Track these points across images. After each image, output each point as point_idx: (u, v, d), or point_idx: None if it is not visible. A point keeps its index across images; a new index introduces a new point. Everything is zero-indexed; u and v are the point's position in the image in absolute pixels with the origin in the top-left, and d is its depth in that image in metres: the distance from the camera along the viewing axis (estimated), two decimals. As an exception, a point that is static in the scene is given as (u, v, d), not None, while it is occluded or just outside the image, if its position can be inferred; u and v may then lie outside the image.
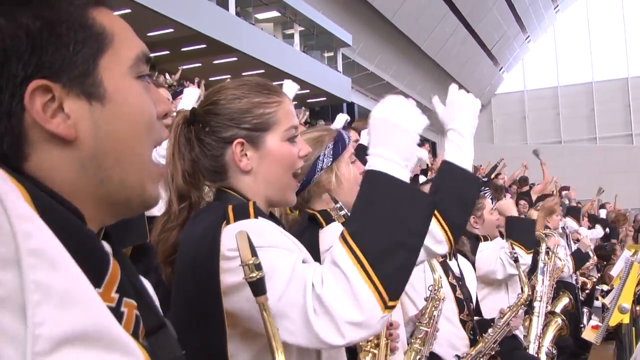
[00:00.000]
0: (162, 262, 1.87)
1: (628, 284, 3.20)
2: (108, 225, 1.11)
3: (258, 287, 1.19)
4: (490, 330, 3.69)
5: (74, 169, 1.01)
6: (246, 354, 1.68)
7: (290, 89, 4.96)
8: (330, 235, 2.21)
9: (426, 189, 2.44)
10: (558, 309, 5.15)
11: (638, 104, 37.42)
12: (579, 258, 6.98)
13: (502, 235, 5.74)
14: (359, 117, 28.47)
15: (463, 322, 3.71)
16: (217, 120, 1.85)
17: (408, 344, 2.75)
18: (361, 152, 2.25)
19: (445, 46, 33.26)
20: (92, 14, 1.03)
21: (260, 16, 24.69)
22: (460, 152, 2.29)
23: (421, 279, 3.19)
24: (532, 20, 38.44)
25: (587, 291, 7.64)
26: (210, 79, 18.10)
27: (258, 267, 1.18)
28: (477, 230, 4.61)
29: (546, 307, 4.87)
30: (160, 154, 2.55)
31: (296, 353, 1.68)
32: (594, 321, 3.52)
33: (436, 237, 2.20)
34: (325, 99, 27.67)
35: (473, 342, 3.69)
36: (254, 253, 1.18)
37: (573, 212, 9.64)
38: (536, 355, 4.55)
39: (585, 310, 6.62)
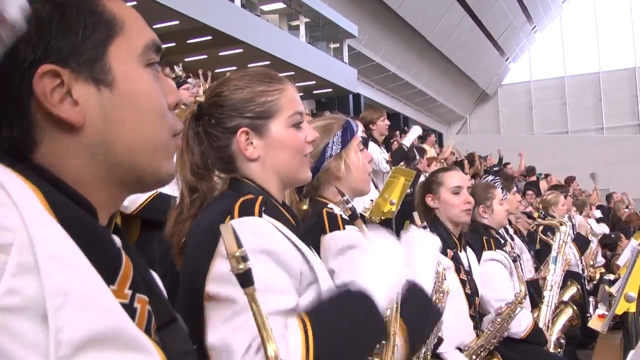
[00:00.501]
0: (177, 254, 1.90)
1: (634, 273, 3.20)
2: (118, 208, 1.11)
3: (245, 279, 1.20)
4: (489, 326, 3.69)
5: (84, 156, 1.01)
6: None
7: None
8: (332, 243, 2.22)
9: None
10: (565, 298, 5.13)
11: (645, 93, 37.34)
12: (581, 242, 6.95)
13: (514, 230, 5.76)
14: (365, 108, 28.48)
15: (471, 317, 3.71)
16: (222, 111, 1.89)
17: None
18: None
19: (452, 37, 33.13)
20: (103, 1, 1.04)
21: (265, 8, 24.63)
22: None
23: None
24: (539, 10, 38.26)
25: (594, 282, 7.63)
26: (216, 70, 18.08)
27: (244, 258, 1.19)
28: (485, 220, 4.55)
29: (556, 296, 4.86)
30: None
31: None
32: (601, 310, 3.52)
33: None
34: (331, 90, 27.61)
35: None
36: (239, 245, 1.19)
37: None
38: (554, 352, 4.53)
39: (591, 299, 6.61)
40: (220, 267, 1.63)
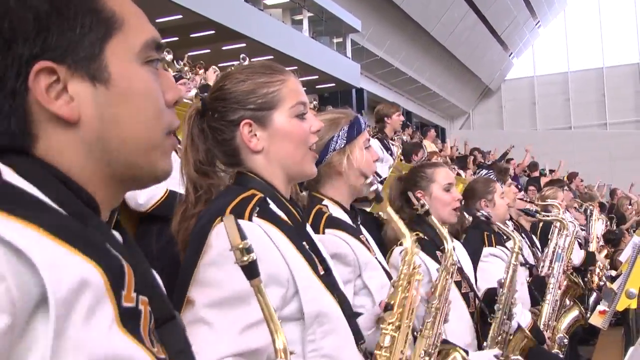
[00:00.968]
0: (182, 250, 1.90)
1: (635, 269, 3.20)
2: (118, 203, 1.13)
3: (251, 270, 1.20)
4: (495, 307, 3.66)
5: (82, 152, 1.02)
6: None
7: None
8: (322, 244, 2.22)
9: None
10: (567, 320, 5.06)
11: (649, 89, 37.27)
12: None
13: (515, 225, 5.73)
14: (368, 103, 28.47)
15: (471, 314, 3.69)
16: (224, 104, 1.90)
17: (419, 331, 2.73)
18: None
19: (455, 32, 33.08)
20: None
21: (268, 2, 24.62)
22: None
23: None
24: (543, 6, 38.18)
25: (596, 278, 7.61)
26: (219, 65, 18.07)
27: (249, 250, 1.19)
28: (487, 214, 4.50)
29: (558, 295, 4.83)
30: None
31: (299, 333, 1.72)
32: (602, 306, 3.51)
33: None
34: (334, 85, 27.61)
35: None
36: (242, 236, 1.19)
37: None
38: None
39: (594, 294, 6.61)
40: (202, 272, 1.66)
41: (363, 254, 2.49)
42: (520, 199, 5.66)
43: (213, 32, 20.27)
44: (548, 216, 5.52)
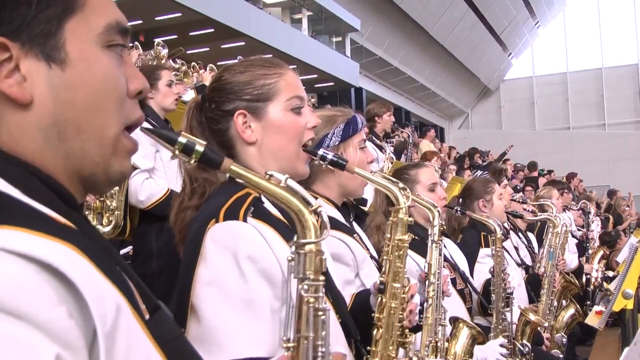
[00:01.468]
0: (179, 242, 1.92)
1: (632, 270, 3.21)
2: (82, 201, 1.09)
3: None
4: (492, 297, 3.68)
5: (39, 138, 0.97)
6: None
7: None
8: None
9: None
10: (564, 319, 5.07)
11: (648, 90, 37.26)
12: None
13: (511, 225, 5.73)
14: (367, 103, 28.45)
15: (468, 309, 3.70)
16: (221, 94, 1.92)
17: (420, 321, 2.73)
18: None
19: (454, 31, 33.08)
20: None
21: (268, 0, 24.60)
22: None
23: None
24: (542, 6, 38.17)
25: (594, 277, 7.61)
26: (219, 63, 18.06)
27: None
28: (485, 214, 4.46)
29: (552, 294, 4.83)
30: None
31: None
32: (598, 307, 3.53)
33: None
34: (333, 84, 27.60)
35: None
36: None
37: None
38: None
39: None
40: (200, 273, 1.66)
41: (359, 253, 2.50)
42: (513, 200, 5.65)
43: (212, 30, 20.27)
44: (536, 216, 5.52)
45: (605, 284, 6.07)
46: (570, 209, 8.24)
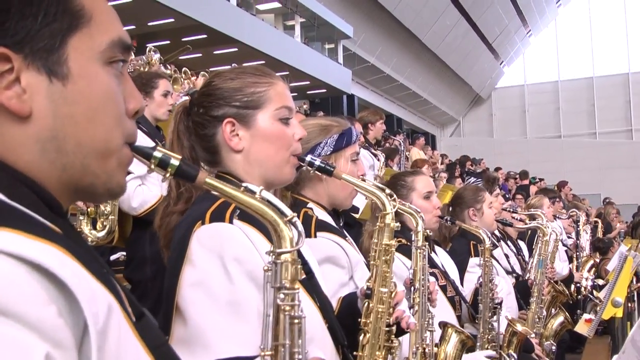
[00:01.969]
0: (164, 247, 1.91)
1: (621, 278, 3.22)
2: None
3: None
4: (480, 306, 3.69)
5: (35, 151, 0.97)
6: None
7: None
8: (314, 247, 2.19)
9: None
10: (554, 326, 5.08)
11: (639, 99, 37.32)
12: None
13: (501, 234, 5.74)
14: (359, 110, 28.49)
15: (457, 317, 3.70)
16: (210, 100, 1.91)
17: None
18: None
19: (447, 39, 33.17)
20: None
21: (261, 7, 24.60)
22: None
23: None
24: (534, 14, 38.33)
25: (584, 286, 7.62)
26: (211, 69, 18.03)
27: None
28: (475, 223, 4.43)
29: (542, 302, 4.83)
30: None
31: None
32: (588, 315, 3.53)
33: None
34: (325, 90, 27.62)
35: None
36: None
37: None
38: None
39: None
40: (186, 275, 1.67)
41: (353, 255, 2.50)
42: (504, 209, 5.66)
43: (205, 36, 20.24)
44: (525, 224, 5.53)
45: (595, 292, 6.08)
46: (559, 217, 8.26)
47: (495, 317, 3.70)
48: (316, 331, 1.86)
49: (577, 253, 8.24)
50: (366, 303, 2.11)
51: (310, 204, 2.55)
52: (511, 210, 5.79)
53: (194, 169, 1.23)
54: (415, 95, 35.48)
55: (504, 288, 4.12)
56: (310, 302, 1.87)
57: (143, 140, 4.13)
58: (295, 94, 26.44)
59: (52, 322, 0.79)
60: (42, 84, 0.96)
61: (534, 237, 5.41)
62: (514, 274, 5.30)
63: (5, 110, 0.94)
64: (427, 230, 2.80)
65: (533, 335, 4.37)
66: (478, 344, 3.60)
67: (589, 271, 7.75)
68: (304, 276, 1.87)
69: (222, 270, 1.64)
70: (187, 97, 2.04)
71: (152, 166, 1.19)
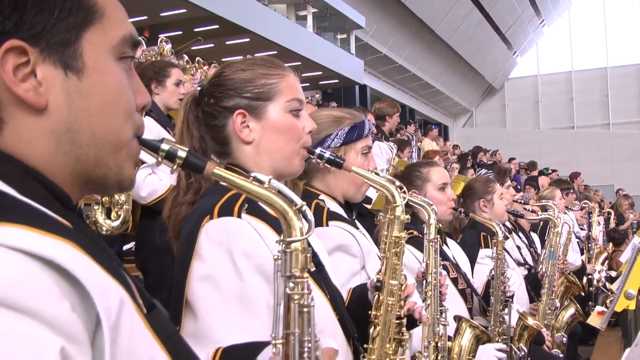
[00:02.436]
0: (173, 237, 1.92)
1: (635, 270, 3.20)
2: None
3: None
4: (491, 299, 3.68)
5: (50, 143, 0.99)
6: None
7: None
8: (320, 239, 2.18)
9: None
10: (564, 318, 5.06)
11: (653, 90, 37.20)
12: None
13: (513, 225, 5.72)
14: (371, 100, 28.46)
15: (469, 309, 3.69)
16: (221, 90, 1.91)
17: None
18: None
19: (459, 29, 33.04)
20: None
21: (273, -3, 24.62)
22: None
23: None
24: (547, 4, 38.12)
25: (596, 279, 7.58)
26: (223, 59, 18.06)
27: None
28: (486, 214, 4.41)
29: (553, 294, 4.81)
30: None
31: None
32: (600, 307, 3.52)
33: None
34: (337, 81, 27.59)
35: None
36: None
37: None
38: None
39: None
40: (195, 269, 1.67)
41: (365, 245, 2.49)
42: (516, 201, 5.63)
43: (217, 26, 20.24)
44: (537, 216, 5.49)
45: (608, 284, 6.06)
46: (571, 209, 8.21)
47: (506, 311, 3.69)
48: (327, 323, 1.87)
49: (589, 245, 8.20)
50: (376, 295, 2.11)
51: (322, 196, 2.54)
52: (523, 201, 5.76)
53: (202, 160, 1.24)
54: (428, 86, 35.40)
55: (515, 280, 4.10)
56: (320, 295, 1.87)
57: (154, 127, 4.13)
58: (308, 84, 26.43)
59: (65, 317, 0.80)
60: (58, 77, 0.97)
61: (546, 229, 5.38)
62: (526, 266, 5.28)
63: (21, 102, 0.95)
64: (439, 223, 2.78)
65: (544, 328, 4.35)
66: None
67: (602, 264, 7.71)
68: (313, 268, 1.88)
69: (231, 264, 1.64)
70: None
71: (160, 159, 1.20)
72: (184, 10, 18.75)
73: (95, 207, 4.08)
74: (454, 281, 3.50)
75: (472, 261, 4.14)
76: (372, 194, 4.18)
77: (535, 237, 6.29)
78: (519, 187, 10.41)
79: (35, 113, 0.97)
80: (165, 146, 1.20)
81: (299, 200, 1.25)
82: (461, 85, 38.67)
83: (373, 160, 2.63)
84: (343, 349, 1.94)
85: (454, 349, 2.88)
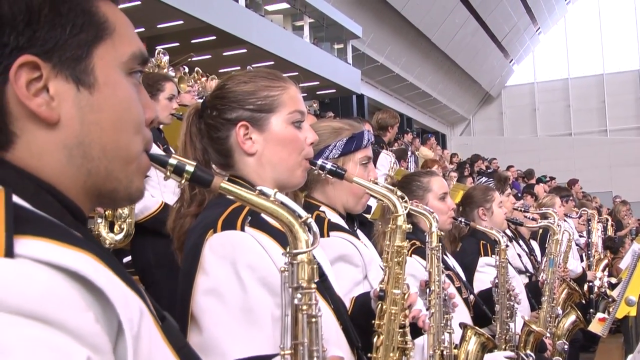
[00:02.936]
0: (177, 249, 1.92)
1: (635, 277, 3.19)
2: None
3: None
4: (497, 307, 3.67)
5: (62, 157, 1.00)
6: None
7: None
8: (322, 250, 2.18)
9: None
10: (566, 326, 5.06)
11: (649, 96, 37.25)
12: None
13: (513, 233, 5.72)
14: (369, 109, 28.50)
15: (472, 318, 3.69)
16: (223, 102, 1.92)
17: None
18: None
19: (456, 38, 33.11)
20: (98, 2, 1.04)
21: (270, 8, 24.63)
22: None
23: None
24: (543, 12, 38.19)
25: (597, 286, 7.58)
26: (220, 70, 18.11)
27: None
28: (485, 223, 4.40)
29: (553, 301, 4.81)
30: None
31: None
32: (601, 313, 3.52)
33: None
34: (334, 90, 27.62)
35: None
36: None
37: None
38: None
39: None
40: (200, 283, 1.68)
41: (367, 254, 2.49)
42: (516, 209, 5.63)
43: (214, 37, 20.29)
44: (537, 223, 5.49)
45: (608, 291, 6.05)
46: (570, 216, 8.22)
47: (511, 318, 3.69)
48: (331, 333, 1.86)
49: (589, 252, 8.20)
50: (379, 305, 2.11)
51: (323, 207, 2.54)
52: (523, 209, 5.76)
53: (209, 174, 1.27)
54: (425, 95, 35.43)
55: (516, 288, 4.11)
56: (324, 305, 1.87)
57: None
58: (305, 94, 26.46)
59: (90, 328, 0.82)
60: (70, 91, 0.99)
61: (546, 237, 5.38)
62: (527, 274, 5.28)
63: (33, 117, 0.97)
64: (440, 231, 2.79)
65: (548, 335, 4.35)
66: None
67: (603, 271, 7.72)
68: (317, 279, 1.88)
69: (235, 277, 1.65)
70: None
71: (168, 173, 1.22)
72: (181, 22, 18.79)
73: (99, 221, 4.07)
74: (458, 290, 3.50)
75: (472, 270, 4.13)
76: (373, 202, 4.18)
77: (535, 245, 6.29)
78: (519, 194, 10.41)
79: (48, 127, 0.98)
80: (173, 161, 1.22)
81: (304, 213, 1.27)
82: (458, 93, 38.71)
83: (373, 171, 2.63)
84: (347, 358, 1.94)
85: (460, 357, 2.88)
